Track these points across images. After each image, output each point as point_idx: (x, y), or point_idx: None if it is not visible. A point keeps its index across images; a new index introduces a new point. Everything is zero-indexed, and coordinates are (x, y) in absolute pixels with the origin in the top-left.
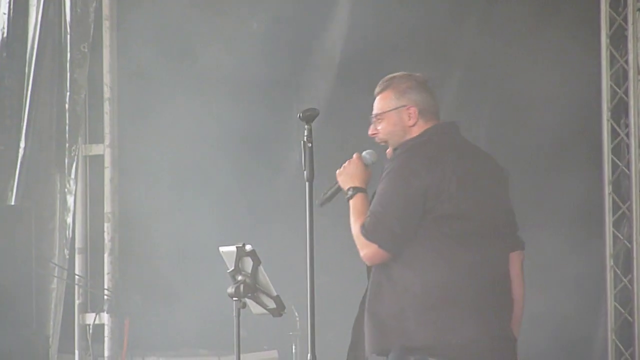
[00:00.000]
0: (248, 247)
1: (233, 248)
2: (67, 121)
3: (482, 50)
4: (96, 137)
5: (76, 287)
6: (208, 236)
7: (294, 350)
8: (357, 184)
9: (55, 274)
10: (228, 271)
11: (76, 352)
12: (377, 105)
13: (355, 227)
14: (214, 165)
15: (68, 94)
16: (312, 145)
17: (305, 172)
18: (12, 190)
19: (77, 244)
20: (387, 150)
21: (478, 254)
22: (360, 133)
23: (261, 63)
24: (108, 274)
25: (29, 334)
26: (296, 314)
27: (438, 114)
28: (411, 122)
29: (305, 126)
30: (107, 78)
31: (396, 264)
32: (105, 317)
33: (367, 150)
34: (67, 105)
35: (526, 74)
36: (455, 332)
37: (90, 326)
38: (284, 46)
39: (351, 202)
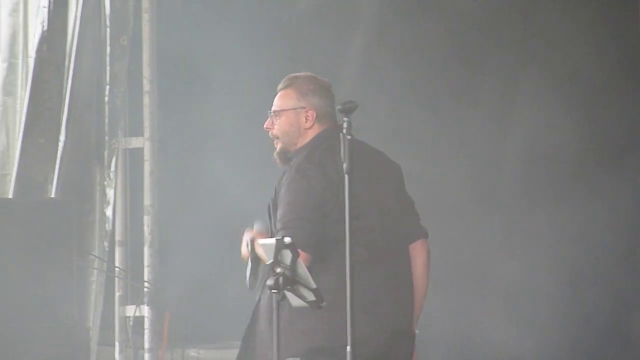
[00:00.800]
0: (287, 240)
1: (272, 241)
2: (107, 114)
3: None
4: (136, 130)
5: (116, 279)
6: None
7: None
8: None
9: (96, 267)
10: (267, 263)
11: (116, 344)
12: (277, 102)
13: None
14: (256, 155)
15: (107, 87)
16: (351, 137)
17: (344, 164)
18: (52, 184)
19: (117, 237)
20: (277, 151)
21: (366, 252)
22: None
23: (298, 56)
24: (148, 266)
25: (69, 326)
26: None
27: (335, 118)
28: (307, 125)
29: (345, 118)
30: (146, 71)
31: None
32: (145, 310)
33: (257, 224)
34: (106, 99)
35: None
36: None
37: (131, 318)
38: (322, 41)
39: None
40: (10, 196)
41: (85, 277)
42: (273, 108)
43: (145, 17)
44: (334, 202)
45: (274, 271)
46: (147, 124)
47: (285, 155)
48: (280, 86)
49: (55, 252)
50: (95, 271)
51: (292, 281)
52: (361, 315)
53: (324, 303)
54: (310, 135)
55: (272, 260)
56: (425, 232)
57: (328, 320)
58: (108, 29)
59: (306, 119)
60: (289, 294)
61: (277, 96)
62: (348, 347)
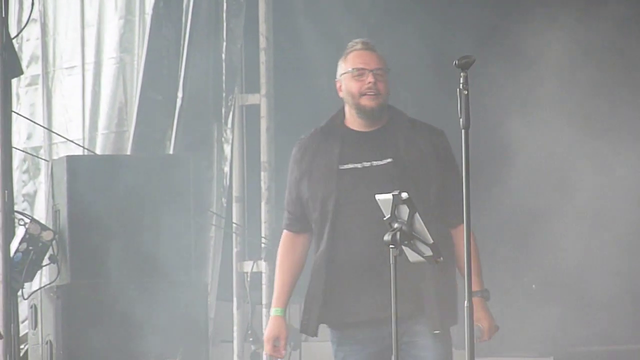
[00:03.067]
0: (404, 195)
1: (389, 196)
2: (224, 71)
3: None
4: (252, 86)
5: (234, 235)
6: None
7: None
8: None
9: (214, 223)
10: (384, 219)
11: (234, 299)
12: (380, 62)
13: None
14: None
15: (224, 43)
16: (467, 93)
17: (461, 119)
18: (170, 140)
19: (235, 193)
20: (378, 105)
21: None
22: None
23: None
24: (265, 222)
25: (188, 282)
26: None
27: None
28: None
29: (462, 73)
30: (262, 28)
31: None
32: (262, 265)
33: None
34: (223, 55)
35: None
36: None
37: (248, 274)
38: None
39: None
40: (128, 152)
41: (204, 233)
42: (378, 66)
43: None
44: None
45: (391, 226)
46: (263, 80)
47: (382, 113)
48: (366, 45)
49: (173, 208)
50: (213, 227)
51: (409, 236)
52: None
53: (441, 258)
54: None
55: (389, 216)
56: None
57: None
58: None
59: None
60: (406, 249)
61: (374, 56)
62: None
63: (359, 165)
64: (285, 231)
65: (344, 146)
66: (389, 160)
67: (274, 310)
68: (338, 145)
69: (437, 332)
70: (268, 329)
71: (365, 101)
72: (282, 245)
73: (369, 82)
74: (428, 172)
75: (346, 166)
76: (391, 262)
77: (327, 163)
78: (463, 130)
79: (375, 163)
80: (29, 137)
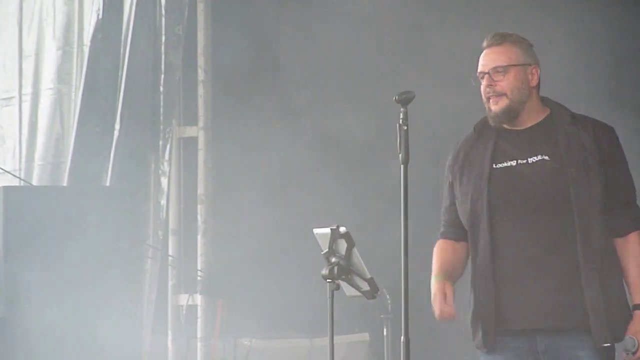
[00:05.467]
0: (342, 229)
1: (327, 230)
2: (162, 103)
3: None
4: (190, 119)
5: (170, 268)
6: (301, 218)
7: (385, 333)
8: None
9: (149, 255)
10: (322, 253)
11: (169, 332)
12: (499, 57)
13: None
14: (309, 142)
15: (162, 76)
16: (407, 129)
17: (400, 154)
18: (106, 172)
19: (171, 226)
20: (500, 109)
21: None
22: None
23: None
24: (201, 255)
25: (123, 315)
26: (388, 297)
27: None
28: (533, 83)
29: (401, 109)
30: (201, 60)
31: None
32: (198, 298)
33: None
34: (161, 88)
35: None
36: None
37: (184, 307)
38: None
39: None
40: (65, 184)
41: (139, 266)
42: (496, 63)
43: (201, 6)
44: None
45: (328, 260)
46: (201, 113)
47: (511, 114)
48: (490, 42)
49: (109, 240)
50: (149, 260)
51: (346, 271)
52: None
53: (379, 293)
54: (536, 97)
55: (326, 250)
56: None
57: None
58: (163, 18)
59: (532, 76)
60: (343, 284)
61: (493, 52)
62: None
63: (513, 163)
64: (440, 239)
65: (497, 145)
66: (546, 157)
67: (434, 278)
68: (492, 144)
69: (607, 345)
70: (433, 290)
71: (491, 106)
72: (437, 247)
73: (487, 87)
74: (589, 172)
75: (500, 165)
76: (328, 296)
77: (480, 163)
78: (402, 166)
79: (531, 160)
80: None
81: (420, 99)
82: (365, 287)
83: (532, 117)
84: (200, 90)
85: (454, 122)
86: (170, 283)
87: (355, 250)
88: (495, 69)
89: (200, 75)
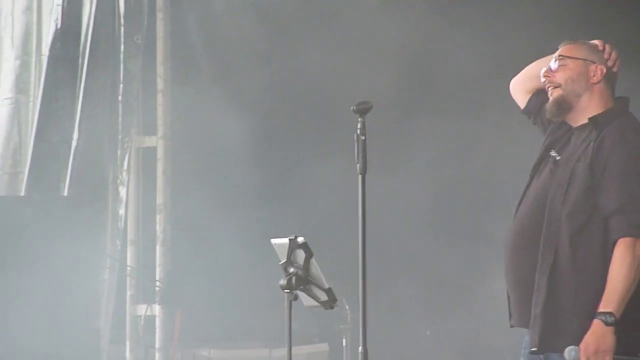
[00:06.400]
0: (300, 240)
1: (285, 240)
2: (120, 113)
3: None
4: (149, 129)
5: (128, 278)
6: (259, 228)
7: (344, 344)
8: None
9: (107, 265)
10: (280, 263)
11: (127, 343)
12: (565, 49)
13: (629, 255)
14: (271, 155)
15: (121, 85)
16: (365, 138)
17: (358, 165)
18: (64, 182)
19: (129, 236)
20: (553, 99)
21: None
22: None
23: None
24: (160, 265)
25: (80, 325)
26: (347, 307)
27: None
28: (595, 79)
29: (359, 119)
30: (160, 70)
31: None
32: (156, 309)
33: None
34: (120, 97)
35: None
36: None
37: (142, 317)
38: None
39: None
40: (22, 194)
41: (97, 276)
42: (560, 52)
43: (160, 15)
44: None
45: (286, 271)
46: (160, 122)
47: (563, 106)
48: (563, 44)
49: (67, 250)
50: (107, 270)
51: (305, 281)
52: None
53: (337, 303)
54: (596, 93)
55: (284, 260)
56: None
57: None
58: (122, 27)
59: (594, 73)
60: (301, 294)
61: (563, 48)
62: None
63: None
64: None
65: (550, 137)
66: (554, 155)
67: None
68: (550, 136)
69: (534, 349)
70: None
71: (549, 97)
72: None
73: (545, 76)
74: (575, 173)
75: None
76: (286, 307)
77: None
78: (360, 176)
79: (552, 155)
80: None
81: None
82: (324, 297)
83: (587, 111)
84: (159, 99)
85: None
86: (128, 293)
87: (313, 261)
88: (557, 59)
89: (160, 85)
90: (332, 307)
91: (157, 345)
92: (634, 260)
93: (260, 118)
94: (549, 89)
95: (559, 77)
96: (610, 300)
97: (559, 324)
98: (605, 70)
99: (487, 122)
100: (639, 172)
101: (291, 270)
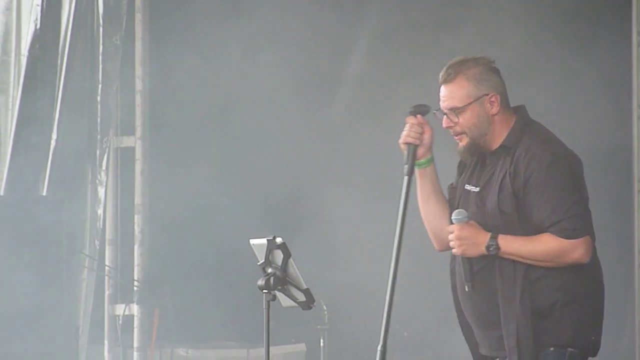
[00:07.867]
0: (279, 240)
1: (264, 240)
2: (99, 113)
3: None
4: (127, 129)
5: (106, 278)
6: (238, 228)
7: (322, 344)
8: (486, 239)
9: (86, 265)
10: (258, 263)
11: (105, 342)
12: (453, 97)
13: (551, 242)
14: (247, 158)
15: (100, 86)
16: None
17: (406, 166)
18: (43, 182)
19: (108, 235)
20: (464, 146)
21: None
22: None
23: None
24: (138, 265)
25: (59, 324)
26: (324, 307)
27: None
28: (494, 111)
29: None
30: (138, 70)
31: None
32: (134, 308)
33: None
34: (98, 97)
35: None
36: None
37: (120, 317)
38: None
39: (507, 252)
40: (1, 193)
41: (76, 276)
42: (450, 105)
43: (138, 16)
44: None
45: (264, 271)
46: (138, 123)
47: (474, 149)
48: (444, 77)
49: (45, 250)
50: (85, 269)
51: (283, 281)
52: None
53: (315, 303)
54: (499, 120)
55: (263, 261)
56: None
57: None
58: (101, 28)
59: (491, 104)
60: (279, 294)
61: (447, 89)
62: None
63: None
64: None
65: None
66: (471, 188)
67: None
68: (472, 166)
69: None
70: None
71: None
72: None
73: (447, 127)
74: (503, 205)
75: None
76: (264, 307)
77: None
78: (406, 177)
79: (468, 189)
80: None
81: None
82: (302, 297)
83: (497, 140)
84: (138, 100)
85: None
86: (106, 293)
87: (291, 261)
88: (452, 111)
89: (138, 85)
90: (309, 308)
91: (135, 344)
92: (552, 252)
93: (237, 117)
94: (456, 137)
95: (462, 126)
96: (511, 242)
97: (534, 332)
98: (499, 96)
99: None
100: (556, 181)
101: (269, 270)
